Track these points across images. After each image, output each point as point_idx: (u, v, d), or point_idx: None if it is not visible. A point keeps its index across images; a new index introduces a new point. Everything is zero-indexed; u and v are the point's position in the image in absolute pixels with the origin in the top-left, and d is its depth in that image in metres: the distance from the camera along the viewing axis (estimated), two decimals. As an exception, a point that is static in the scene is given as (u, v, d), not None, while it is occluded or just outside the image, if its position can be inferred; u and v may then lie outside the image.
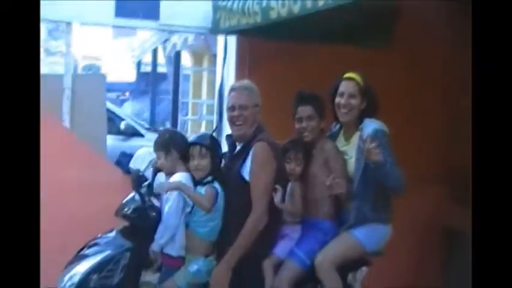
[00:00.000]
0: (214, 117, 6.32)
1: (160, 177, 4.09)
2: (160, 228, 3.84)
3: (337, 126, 4.09)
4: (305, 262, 3.77)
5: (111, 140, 8.75)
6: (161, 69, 16.04)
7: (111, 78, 15.96)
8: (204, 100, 11.82)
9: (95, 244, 3.96)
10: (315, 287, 3.78)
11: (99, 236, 4.03)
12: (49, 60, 16.48)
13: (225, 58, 5.92)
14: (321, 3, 4.02)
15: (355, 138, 3.89)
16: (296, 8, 4.29)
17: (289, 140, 3.95)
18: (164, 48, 13.57)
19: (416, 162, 4.97)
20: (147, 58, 16.20)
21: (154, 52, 15.46)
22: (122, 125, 9.90)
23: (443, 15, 5.20)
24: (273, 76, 5.37)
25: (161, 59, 15.33)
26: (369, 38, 5.45)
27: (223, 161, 4.03)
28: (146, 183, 4.03)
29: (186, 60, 13.88)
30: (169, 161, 3.93)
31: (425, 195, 5.48)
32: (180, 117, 11.42)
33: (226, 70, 5.96)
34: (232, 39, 5.86)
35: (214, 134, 4.80)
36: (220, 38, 6.09)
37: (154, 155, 4.09)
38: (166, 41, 12.56)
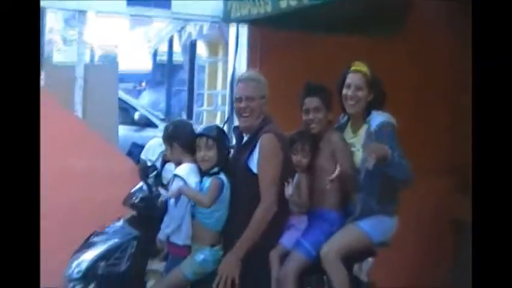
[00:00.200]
0: (226, 108, 6.33)
1: (169, 167, 4.13)
2: (166, 218, 3.87)
3: (345, 118, 4.08)
4: (311, 253, 3.77)
5: (124, 131, 8.77)
6: (177, 58, 16.04)
7: (127, 67, 16.02)
8: (218, 91, 11.81)
9: (103, 232, 4.01)
10: (320, 278, 3.79)
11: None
12: (65, 48, 16.55)
13: (236, 48, 5.92)
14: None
15: (362, 131, 3.88)
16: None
17: (296, 131, 3.95)
18: (180, 37, 13.57)
19: (423, 154, 4.93)
20: (163, 48, 16.20)
21: (170, 42, 15.45)
22: (136, 116, 9.89)
23: (443, 15, 5.19)
24: (282, 66, 5.37)
25: (177, 48, 15.32)
26: (379, 27, 5.41)
27: (231, 152, 4.04)
28: (154, 173, 4.05)
29: (202, 50, 13.88)
30: (174, 154, 3.95)
31: (432, 187, 5.47)
32: (196, 108, 11.43)
33: (238, 60, 5.95)
34: (244, 29, 5.86)
35: (225, 125, 4.79)
36: (232, 28, 6.09)
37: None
38: (181, 29, 12.56)
